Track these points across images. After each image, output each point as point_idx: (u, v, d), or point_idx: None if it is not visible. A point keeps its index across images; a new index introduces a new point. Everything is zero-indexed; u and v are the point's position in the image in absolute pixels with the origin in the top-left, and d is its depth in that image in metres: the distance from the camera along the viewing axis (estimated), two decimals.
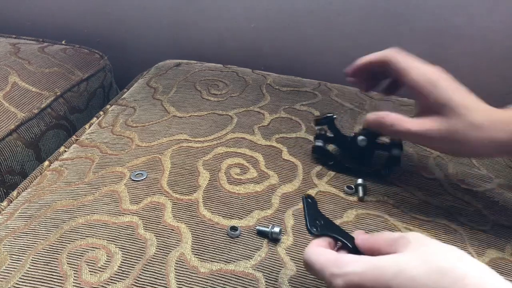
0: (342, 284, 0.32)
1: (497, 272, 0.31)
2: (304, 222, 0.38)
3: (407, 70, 0.47)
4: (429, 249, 0.32)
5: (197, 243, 0.45)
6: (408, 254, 0.32)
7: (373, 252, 0.35)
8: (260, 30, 0.88)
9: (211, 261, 0.43)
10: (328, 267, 0.33)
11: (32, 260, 0.44)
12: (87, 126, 0.66)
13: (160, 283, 0.41)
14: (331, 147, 0.58)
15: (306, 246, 0.45)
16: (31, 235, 0.47)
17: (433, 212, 0.51)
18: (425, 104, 0.46)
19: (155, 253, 0.44)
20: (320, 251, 0.35)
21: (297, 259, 0.44)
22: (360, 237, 0.38)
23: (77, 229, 0.47)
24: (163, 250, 0.44)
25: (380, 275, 0.31)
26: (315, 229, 0.38)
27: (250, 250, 0.45)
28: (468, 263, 0.31)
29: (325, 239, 0.38)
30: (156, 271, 0.42)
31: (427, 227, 0.49)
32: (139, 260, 0.43)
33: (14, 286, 0.42)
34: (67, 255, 0.44)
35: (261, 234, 0.46)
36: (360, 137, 0.53)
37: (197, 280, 0.42)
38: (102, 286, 0.41)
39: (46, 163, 0.59)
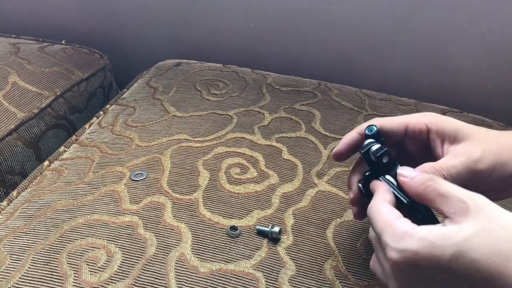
0: (396, 258, 0.31)
1: None
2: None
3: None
4: (491, 223, 0.29)
5: (197, 243, 0.45)
6: (467, 228, 0.29)
7: (422, 200, 0.33)
8: (260, 30, 0.88)
9: (211, 261, 0.43)
10: (384, 234, 0.32)
11: (32, 260, 0.44)
12: (87, 126, 0.66)
13: (160, 283, 0.41)
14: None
15: (306, 246, 0.45)
16: (31, 235, 0.47)
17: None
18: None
19: (155, 253, 0.44)
20: (382, 210, 0.34)
21: (297, 259, 0.44)
22: (408, 180, 0.35)
23: (77, 229, 0.47)
24: (163, 250, 0.44)
25: (437, 256, 0.29)
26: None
27: (250, 250, 0.45)
28: None
29: (387, 195, 0.35)
30: (156, 271, 0.42)
31: None
32: (139, 260, 0.43)
33: (14, 286, 0.42)
34: (67, 255, 0.44)
35: (261, 233, 0.46)
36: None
37: (197, 280, 0.42)
38: (102, 286, 0.41)
39: (46, 163, 0.59)
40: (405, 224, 0.32)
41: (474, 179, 0.37)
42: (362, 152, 0.40)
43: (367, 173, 0.40)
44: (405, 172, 0.36)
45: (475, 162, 0.37)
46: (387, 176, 0.38)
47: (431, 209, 0.35)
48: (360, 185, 0.40)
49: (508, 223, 0.29)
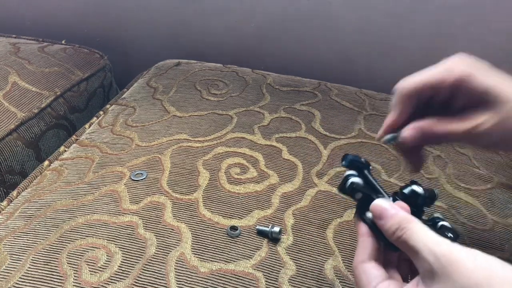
0: None
1: None
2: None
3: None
4: (456, 284, 0.27)
5: (197, 243, 0.45)
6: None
7: (391, 237, 0.33)
8: (260, 30, 0.88)
9: (211, 261, 0.43)
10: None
11: (32, 260, 0.44)
12: (87, 125, 0.66)
13: (160, 282, 0.41)
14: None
15: (306, 246, 0.45)
16: (31, 235, 0.47)
17: (433, 212, 0.51)
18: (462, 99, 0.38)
19: (155, 253, 0.44)
20: (361, 274, 0.33)
21: (297, 259, 0.44)
22: (384, 223, 0.33)
23: (77, 229, 0.47)
24: (163, 250, 0.44)
25: None
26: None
27: (250, 250, 0.45)
28: None
29: (368, 246, 0.34)
30: (156, 271, 0.42)
31: None
32: (139, 260, 0.43)
33: (14, 286, 0.42)
34: (67, 255, 0.44)
35: (261, 233, 0.46)
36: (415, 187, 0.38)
37: (197, 280, 0.42)
38: (102, 286, 0.41)
39: (46, 162, 0.59)
40: (384, 282, 0.32)
41: (474, 143, 0.38)
42: (339, 188, 0.38)
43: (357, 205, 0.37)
44: (377, 212, 0.34)
45: (479, 135, 0.36)
46: (368, 213, 0.35)
47: None
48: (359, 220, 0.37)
49: (473, 277, 0.27)
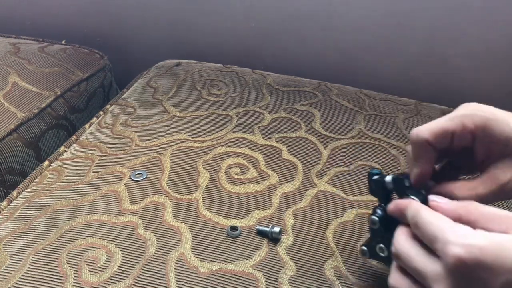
0: (462, 253, 0.28)
1: None
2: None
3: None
4: None
5: (197, 243, 0.45)
6: None
7: (462, 222, 0.31)
8: (260, 30, 0.88)
9: (211, 261, 0.43)
10: (445, 232, 0.30)
11: (32, 260, 0.44)
12: (87, 126, 0.66)
13: (160, 283, 0.41)
14: None
15: (306, 246, 0.45)
16: (31, 235, 0.47)
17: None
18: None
19: (155, 253, 0.44)
20: (437, 214, 0.31)
21: (297, 259, 0.44)
22: (442, 204, 0.33)
23: (77, 229, 0.47)
24: (163, 250, 0.44)
25: (505, 254, 0.28)
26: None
27: (250, 250, 0.45)
28: None
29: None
30: (156, 271, 0.42)
31: None
32: (139, 260, 0.43)
33: (14, 286, 0.42)
34: (67, 255, 0.44)
35: (261, 234, 0.46)
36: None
37: (197, 280, 0.42)
38: (102, 286, 0.41)
39: (46, 163, 0.59)
40: (467, 228, 0.30)
41: (501, 199, 0.36)
42: (375, 181, 0.39)
43: (378, 209, 0.38)
44: (437, 199, 0.34)
45: (507, 193, 0.35)
46: (412, 197, 0.35)
47: None
48: (375, 218, 0.38)
49: None
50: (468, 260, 0.28)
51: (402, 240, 0.33)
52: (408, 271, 0.33)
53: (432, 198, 0.34)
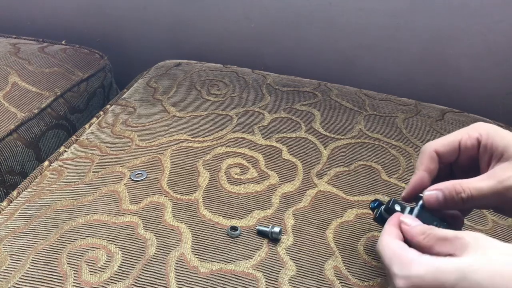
0: (403, 285, 0.32)
1: None
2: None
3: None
4: (490, 251, 0.31)
5: (197, 243, 0.45)
6: (469, 257, 0.31)
7: (422, 249, 0.34)
8: (260, 30, 0.88)
9: (211, 261, 0.43)
10: (392, 265, 0.33)
11: (32, 260, 0.44)
12: (87, 126, 0.66)
13: (160, 283, 0.41)
14: None
15: (306, 246, 0.45)
16: (31, 235, 0.47)
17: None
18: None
19: (155, 253, 0.44)
20: (389, 243, 0.35)
21: (297, 259, 0.44)
22: (409, 228, 0.36)
23: (77, 229, 0.47)
24: (163, 250, 0.44)
25: (442, 280, 0.31)
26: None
27: (250, 250, 0.45)
28: None
29: (397, 225, 0.37)
30: (156, 271, 0.42)
31: None
32: (139, 260, 0.43)
33: (14, 286, 0.42)
34: (67, 255, 0.44)
35: (261, 234, 0.46)
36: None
37: (197, 280, 0.42)
38: (102, 286, 0.41)
39: (46, 163, 0.59)
40: (411, 252, 0.34)
41: (504, 202, 0.37)
42: (376, 219, 0.43)
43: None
44: (407, 220, 0.37)
45: (507, 188, 0.36)
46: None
47: None
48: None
49: (505, 250, 0.31)
50: None
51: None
52: None
53: (403, 219, 0.38)
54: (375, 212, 0.43)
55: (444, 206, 0.38)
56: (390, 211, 0.40)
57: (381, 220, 0.41)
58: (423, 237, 0.35)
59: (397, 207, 0.40)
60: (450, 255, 0.32)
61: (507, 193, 0.36)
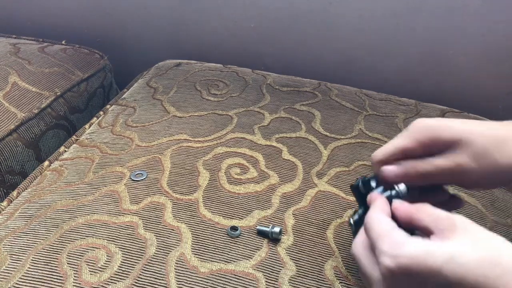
0: (391, 264, 0.32)
1: None
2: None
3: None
4: (476, 235, 0.32)
5: (197, 243, 0.45)
6: (457, 240, 0.32)
7: (411, 222, 0.35)
8: (260, 30, 0.88)
9: (211, 261, 0.43)
10: (381, 242, 0.33)
11: (32, 260, 0.44)
12: (87, 126, 0.66)
13: (160, 283, 0.41)
14: None
15: (306, 246, 0.45)
16: (31, 235, 0.47)
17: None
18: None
19: (155, 253, 0.44)
20: (380, 219, 0.35)
21: (297, 259, 0.44)
22: (399, 205, 0.37)
23: (77, 229, 0.47)
24: (163, 250, 0.44)
25: (431, 261, 0.31)
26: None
27: (250, 250, 0.45)
28: None
29: (387, 203, 0.37)
30: (156, 271, 0.42)
31: None
32: (139, 260, 0.43)
33: (14, 286, 0.42)
34: (67, 255, 0.44)
35: (261, 234, 0.46)
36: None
37: (197, 280, 0.42)
38: (102, 286, 0.41)
39: (46, 163, 0.59)
40: (401, 233, 0.34)
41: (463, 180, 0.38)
42: (352, 187, 0.43)
43: (359, 212, 0.41)
44: (398, 200, 0.38)
45: (462, 173, 0.37)
46: (384, 193, 0.39)
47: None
48: (351, 221, 0.40)
49: (490, 236, 0.32)
50: (396, 271, 0.32)
51: (358, 243, 0.37)
52: (360, 274, 0.37)
53: (395, 202, 0.38)
54: (352, 188, 0.43)
55: (402, 180, 0.39)
56: (367, 183, 0.41)
57: (356, 189, 0.42)
58: (415, 209, 0.35)
59: (373, 183, 0.41)
60: (435, 233, 0.33)
61: (463, 175, 0.37)
